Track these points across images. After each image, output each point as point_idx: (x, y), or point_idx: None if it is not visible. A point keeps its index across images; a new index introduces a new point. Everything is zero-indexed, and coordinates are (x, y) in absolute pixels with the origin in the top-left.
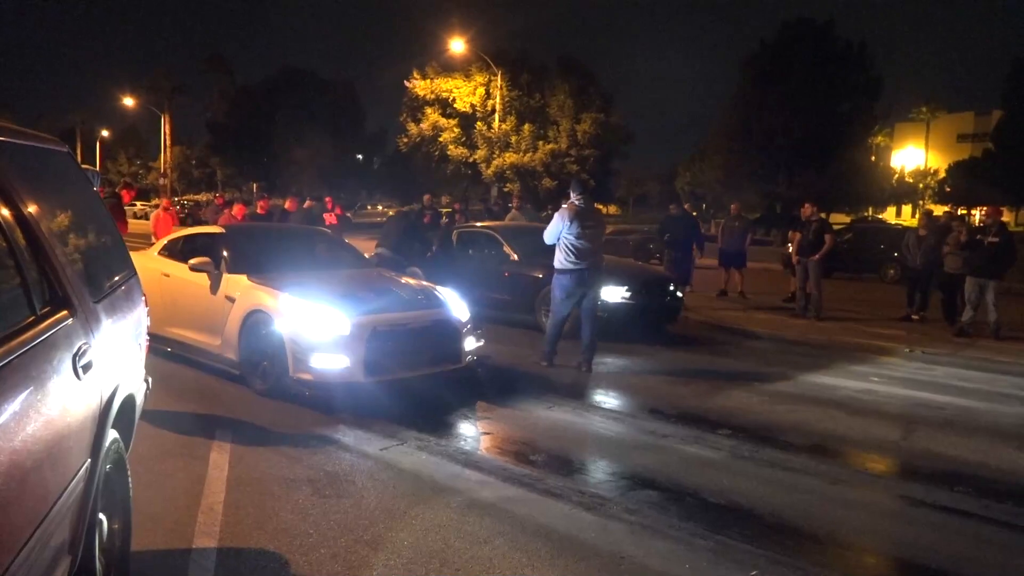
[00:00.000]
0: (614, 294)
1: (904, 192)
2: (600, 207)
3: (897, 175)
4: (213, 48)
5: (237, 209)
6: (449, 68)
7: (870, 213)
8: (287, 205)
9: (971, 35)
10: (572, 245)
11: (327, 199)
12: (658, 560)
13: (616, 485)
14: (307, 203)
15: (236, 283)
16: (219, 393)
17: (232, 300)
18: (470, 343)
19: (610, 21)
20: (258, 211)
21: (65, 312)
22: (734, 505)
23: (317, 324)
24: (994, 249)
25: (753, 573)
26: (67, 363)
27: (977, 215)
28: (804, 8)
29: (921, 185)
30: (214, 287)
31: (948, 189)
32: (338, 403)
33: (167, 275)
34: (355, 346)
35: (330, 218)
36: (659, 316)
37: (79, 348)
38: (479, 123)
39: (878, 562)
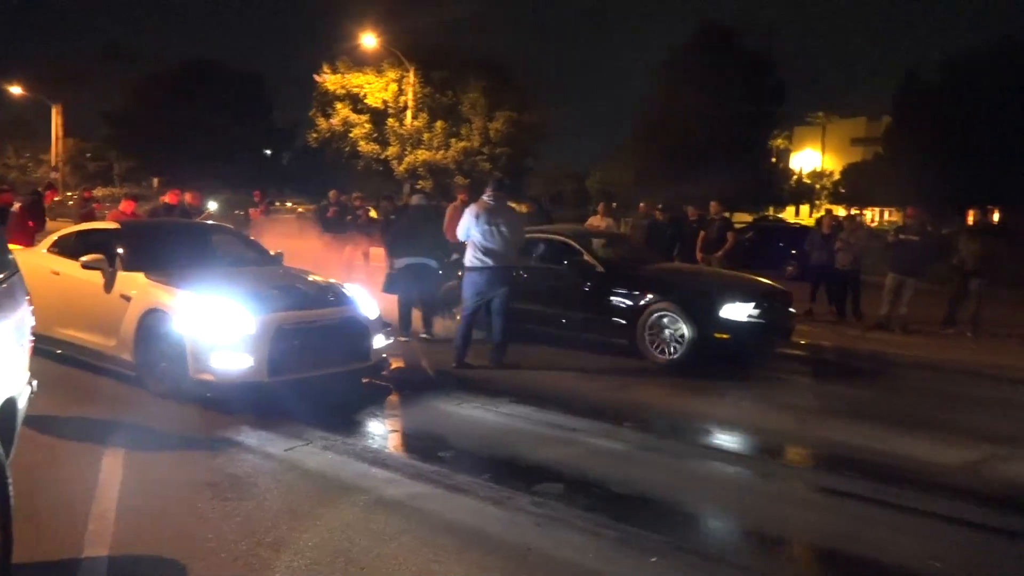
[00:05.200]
0: (739, 312)
1: (803, 192)
2: (515, 205)
3: (796, 176)
4: (112, 36)
5: (125, 205)
6: (361, 63)
7: (771, 212)
8: (169, 199)
9: (863, 45)
10: (480, 243)
11: (256, 193)
12: (564, 551)
13: (524, 479)
14: (187, 196)
15: (132, 281)
16: (114, 396)
17: (128, 299)
18: (379, 341)
19: (531, 19)
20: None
21: None
22: (639, 495)
23: (219, 323)
24: (915, 248)
25: (653, 559)
26: None
27: (869, 215)
28: (716, 14)
29: (818, 186)
30: (108, 285)
31: (843, 190)
32: (241, 404)
33: (57, 273)
34: (259, 345)
35: (256, 213)
36: (781, 335)
37: None
38: (391, 119)
39: (774, 544)
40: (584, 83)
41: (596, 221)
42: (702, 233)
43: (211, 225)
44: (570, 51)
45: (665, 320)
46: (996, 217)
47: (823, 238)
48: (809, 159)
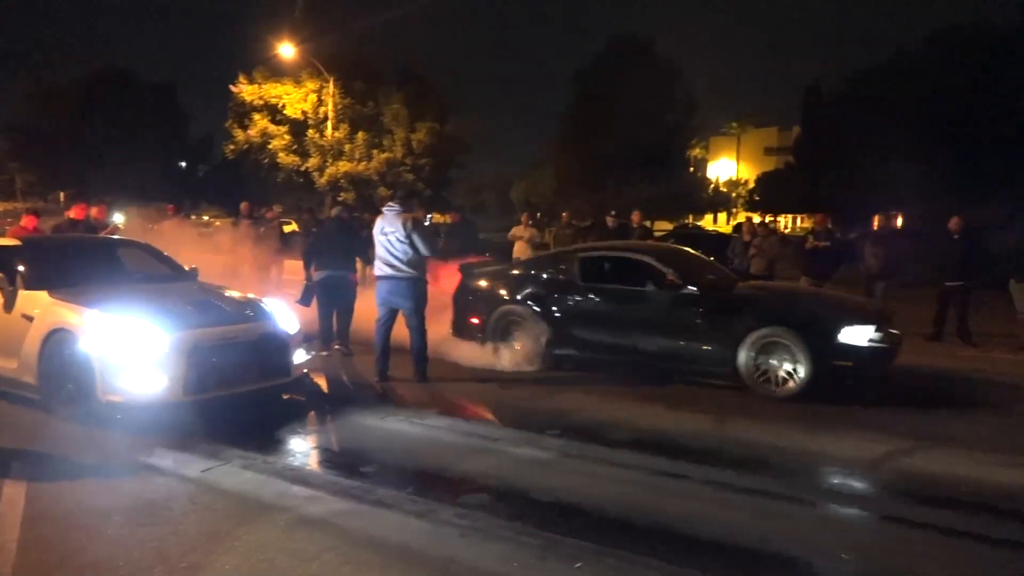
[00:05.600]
0: (861, 335)
1: (720, 201)
2: (440, 217)
3: (713, 185)
4: (13, 43)
5: (27, 220)
6: (279, 73)
7: (691, 220)
8: (74, 213)
9: (772, 58)
10: (379, 254)
11: (169, 206)
12: (488, 561)
13: (448, 491)
14: (93, 211)
15: (34, 300)
16: (15, 422)
17: (30, 319)
18: (300, 356)
19: (453, 30)
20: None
21: None
22: (562, 502)
23: (130, 341)
24: (827, 253)
25: (578, 565)
26: None
27: (783, 221)
28: (632, 25)
29: (734, 194)
30: (8, 305)
31: (757, 198)
32: (154, 426)
33: None
34: (174, 364)
35: (170, 227)
36: (891, 360)
37: None
38: (311, 130)
39: (697, 545)
40: (508, 93)
41: (519, 231)
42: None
43: (120, 240)
44: (494, 61)
45: (775, 347)
46: (899, 221)
47: (744, 245)
48: (725, 168)
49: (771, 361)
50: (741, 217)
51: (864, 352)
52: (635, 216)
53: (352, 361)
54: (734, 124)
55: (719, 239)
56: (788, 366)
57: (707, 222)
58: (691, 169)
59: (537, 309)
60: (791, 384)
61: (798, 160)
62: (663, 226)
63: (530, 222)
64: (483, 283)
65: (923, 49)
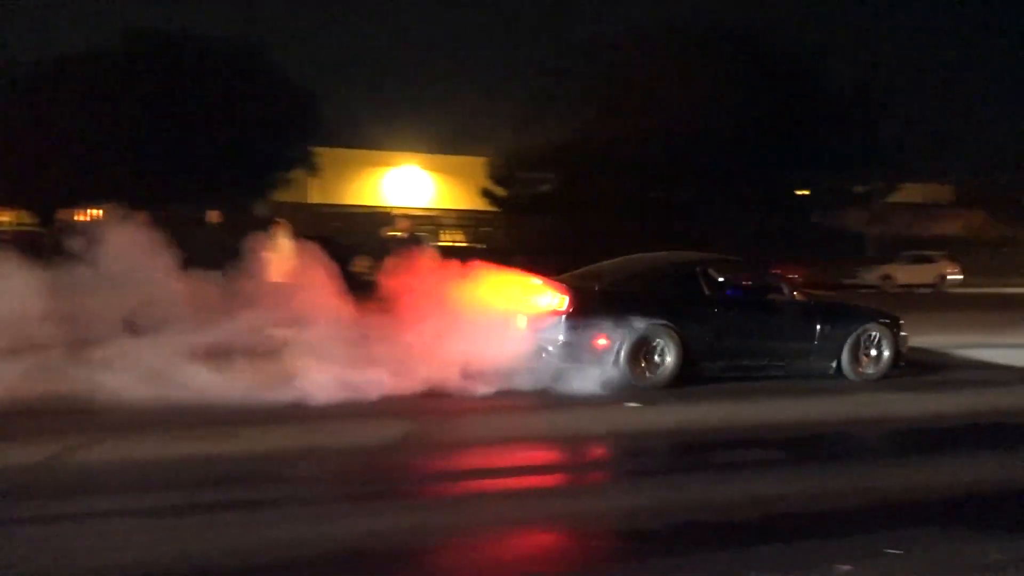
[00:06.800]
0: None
1: None
2: None
3: None
4: None
5: None
6: None
7: None
8: None
9: None
10: None
11: None
12: None
13: None
14: None
15: None
16: None
17: None
18: None
19: None
20: None
21: None
22: None
23: None
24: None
25: None
26: None
27: None
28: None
29: None
30: None
31: None
32: None
33: None
34: None
35: None
36: None
37: None
38: None
39: None
40: None
41: None
42: None
43: None
44: None
45: (873, 340)
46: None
47: None
48: None
49: (868, 352)
50: None
51: (905, 340)
52: None
53: None
54: None
55: None
56: (874, 352)
57: None
58: None
59: (679, 324)
60: (876, 370)
61: None
62: None
63: None
64: (607, 299)
65: (120, 44)
